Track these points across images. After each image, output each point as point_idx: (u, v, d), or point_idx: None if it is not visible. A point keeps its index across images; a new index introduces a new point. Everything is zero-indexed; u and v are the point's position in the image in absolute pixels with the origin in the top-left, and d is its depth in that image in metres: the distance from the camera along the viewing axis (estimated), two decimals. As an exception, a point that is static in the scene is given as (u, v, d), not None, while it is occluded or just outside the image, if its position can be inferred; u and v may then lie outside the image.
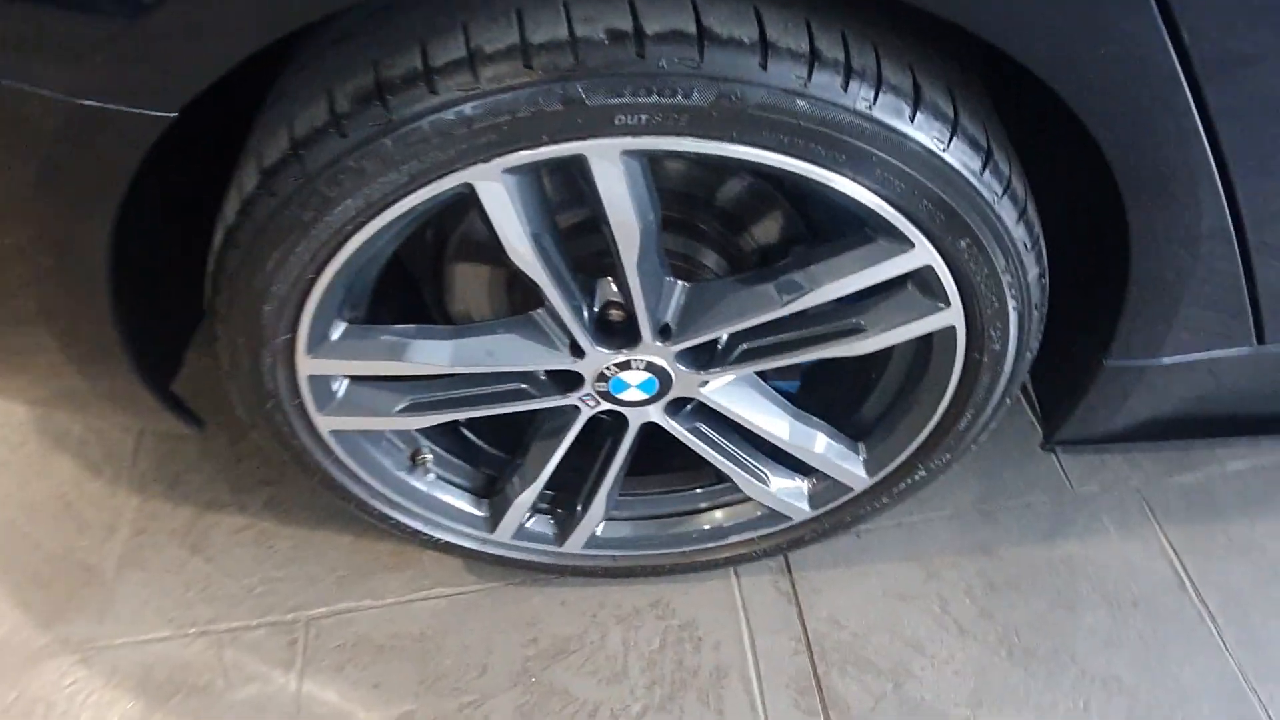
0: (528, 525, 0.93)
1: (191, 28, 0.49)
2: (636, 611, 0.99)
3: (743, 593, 1.00)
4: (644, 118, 0.54)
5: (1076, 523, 1.04)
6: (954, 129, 0.58)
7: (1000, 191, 0.61)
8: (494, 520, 0.91)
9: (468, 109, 0.53)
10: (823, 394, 0.90)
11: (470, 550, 0.94)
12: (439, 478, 0.88)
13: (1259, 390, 0.82)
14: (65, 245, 0.60)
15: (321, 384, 0.74)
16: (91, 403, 0.81)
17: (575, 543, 0.93)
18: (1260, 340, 0.75)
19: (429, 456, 0.87)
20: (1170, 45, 0.52)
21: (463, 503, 0.91)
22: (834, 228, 0.76)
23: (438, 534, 0.91)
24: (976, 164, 0.59)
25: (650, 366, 0.75)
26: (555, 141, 0.55)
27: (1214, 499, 1.06)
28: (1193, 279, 0.67)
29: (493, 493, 0.91)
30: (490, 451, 0.92)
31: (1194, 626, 0.96)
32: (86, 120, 0.52)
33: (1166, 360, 0.75)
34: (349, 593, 1.01)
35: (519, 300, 0.83)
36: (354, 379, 0.76)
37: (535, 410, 0.82)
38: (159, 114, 0.52)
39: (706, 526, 0.95)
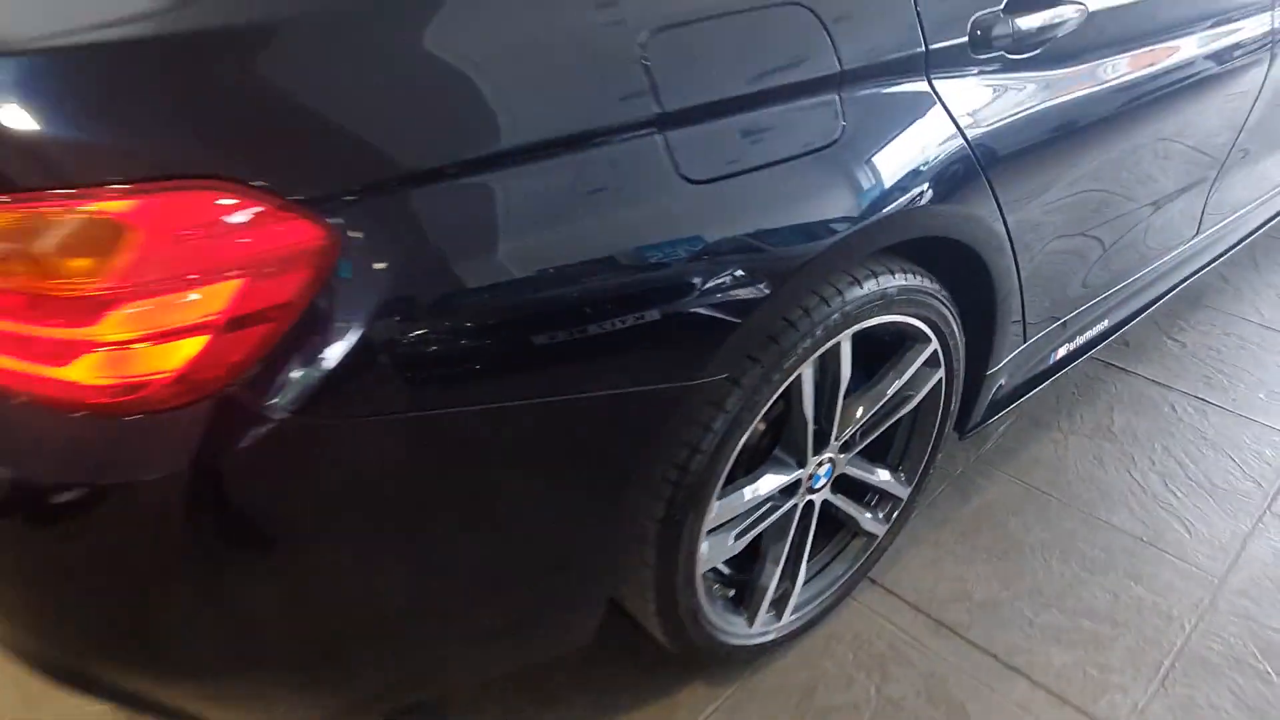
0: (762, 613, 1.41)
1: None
2: (825, 647, 1.51)
3: (866, 604, 1.58)
4: (864, 314, 1.19)
5: (970, 490, 1.82)
6: (935, 280, 1.33)
7: (951, 300, 1.37)
8: (751, 618, 1.38)
9: (817, 331, 1.14)
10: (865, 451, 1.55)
11: (743, 647, 1.39)
12: (724, 603, 1.35)
13: (1024, 365, 1.69)
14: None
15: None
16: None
17: (787, 613, 1.44)
18: (1024, 340, 1.61)
19: (718, 587, 1.34)
20: (1006, 235, 1.34)
21: (730, 614, 1.37)
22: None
23: (733, 642, 1.36)
24: (945, 293, 1.35)
25: (829, 460, 1.36)
26: (835, 335, 1.18)
27: (1007, 448, 1.92)
28: (1011, 317, 1.50)
29: (742, 598, 1.39)
30: (727, 573, 1.41)
31: (1050, 502, 1.77)
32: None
33: (1003, 361, 1.57)
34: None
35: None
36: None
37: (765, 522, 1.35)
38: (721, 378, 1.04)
39: (840, 568, 1.53)
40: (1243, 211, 2.16)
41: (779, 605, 1.43)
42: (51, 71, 0.74)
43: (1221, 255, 2.23)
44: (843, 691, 1.43)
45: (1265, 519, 1.75)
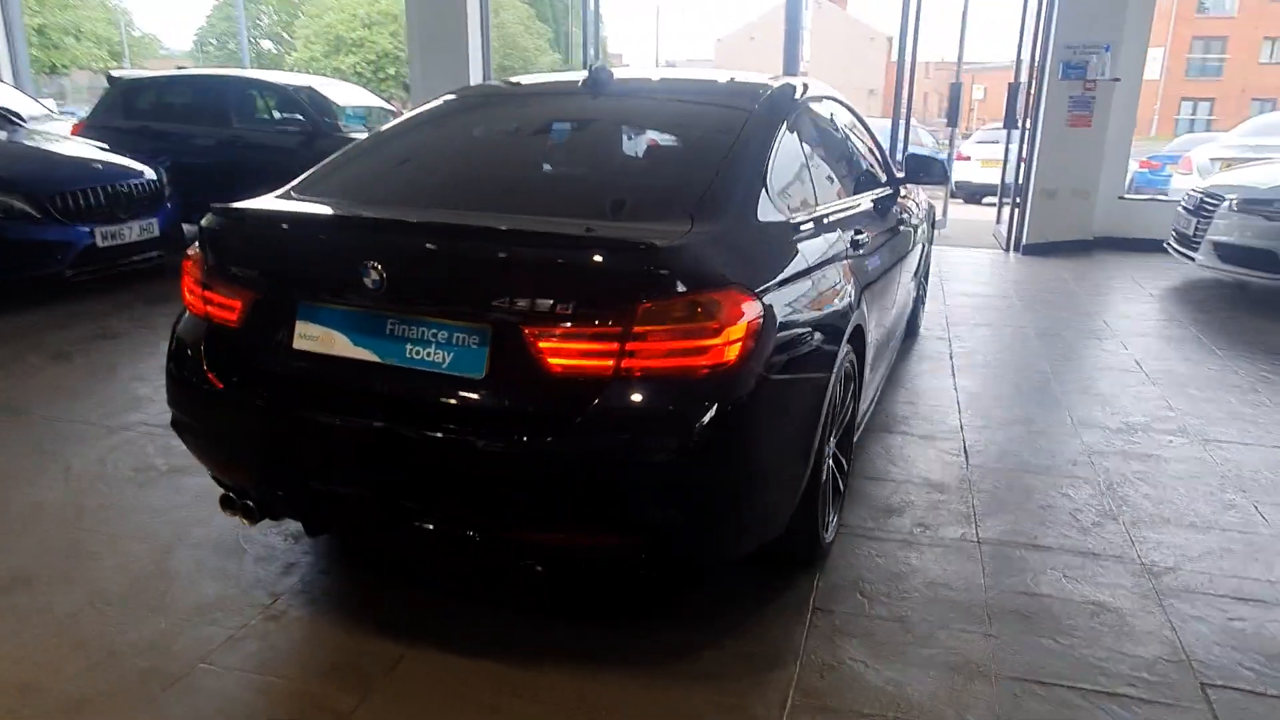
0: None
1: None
2: (845, 544, 2.85)
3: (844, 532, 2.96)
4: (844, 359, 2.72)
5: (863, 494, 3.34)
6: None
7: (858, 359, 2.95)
8: (823, 527, 2.71)
9: (839, 363, 2.63)
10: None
11: (823, 544, 2.69)
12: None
13: (864, 401, 3.31)
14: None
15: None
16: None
17: (830, 531, 2.78)
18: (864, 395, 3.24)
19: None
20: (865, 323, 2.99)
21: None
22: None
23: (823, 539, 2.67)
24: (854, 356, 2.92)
25: (832, 441, 2.80)
26: (840, 369, 2.67)
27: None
28: (865, 372, 3.12)
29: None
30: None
31: (877, 486, 3.37)
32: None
33: (865, 402, 3.17)
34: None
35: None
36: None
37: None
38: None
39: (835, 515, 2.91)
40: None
41: (825, 527, 2.78)
42: (698, 251, 2.07)
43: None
44: (859, 561, 2.80)
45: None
